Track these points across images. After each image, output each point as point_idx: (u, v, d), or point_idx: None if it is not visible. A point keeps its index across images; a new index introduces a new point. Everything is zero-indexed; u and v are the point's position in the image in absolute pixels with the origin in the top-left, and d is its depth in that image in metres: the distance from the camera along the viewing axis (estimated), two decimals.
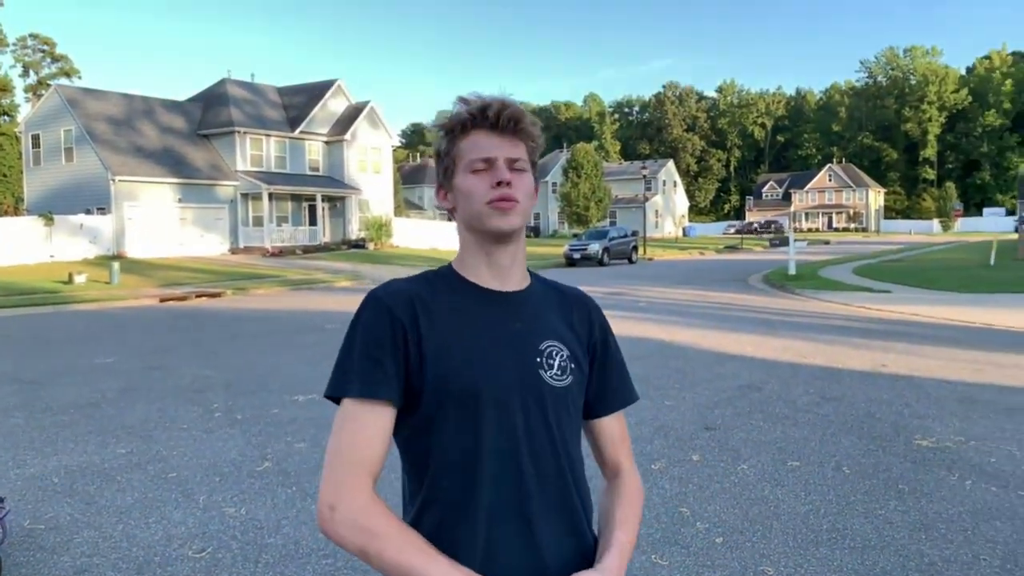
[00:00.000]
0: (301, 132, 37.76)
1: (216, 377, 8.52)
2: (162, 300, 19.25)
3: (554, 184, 61.78)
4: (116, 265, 23.63)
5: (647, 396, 6.95)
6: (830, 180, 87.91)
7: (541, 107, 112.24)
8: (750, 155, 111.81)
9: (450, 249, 40.62)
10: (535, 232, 61.85)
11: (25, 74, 63.33)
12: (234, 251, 34.68)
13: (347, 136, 38.71)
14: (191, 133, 36.36)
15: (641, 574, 3.66)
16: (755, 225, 76.88)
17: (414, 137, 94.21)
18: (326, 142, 39.23)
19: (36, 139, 34.64)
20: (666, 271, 28.41)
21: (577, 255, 32.81)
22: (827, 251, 43.43)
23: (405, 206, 51.65)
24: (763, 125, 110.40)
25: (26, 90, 62.93)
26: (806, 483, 4.86)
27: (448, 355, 1.30)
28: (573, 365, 1.37)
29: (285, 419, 6.58)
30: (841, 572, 3.63)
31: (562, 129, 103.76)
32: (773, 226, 73.62)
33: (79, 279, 22.68)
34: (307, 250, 35.81)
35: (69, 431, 6.31)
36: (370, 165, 40.50)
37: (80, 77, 63.14)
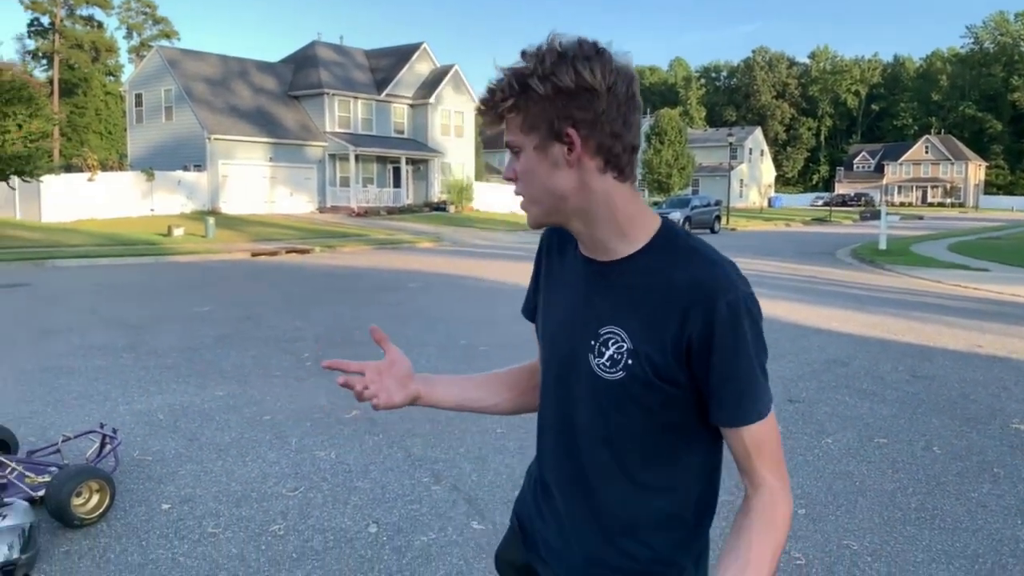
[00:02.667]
0: (387, 95, 38.23)
1: (306, 329, 8.85)
2: (254, 255, 19.98)
3: None
4: (211, 220, 24.62)
5: None
6: (927, 152, 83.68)
7: None
8: (842, 124, 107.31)
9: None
10: None
11: (129, 36, 66.03)
12: (321, 210, 35.61)
13: (431, 99, 38.99)
14: (282, 94, 37.29)
15: (721, 543, 3.67)
16: (845, 197, 74.03)
17: None
18: (411, 105, 39.62)
19: (139, 98, 36.19)
20: (749, 242, 27.74)
21: None
22: (921, 226, 41.54)
23: (486, 170, 51.80)
24: (857, 93, 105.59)
25: (129, 51, 65.69)
26: (893, 461, 4.74)
27: (543, 314, 1.37)
28: (632, 361, 1.18)
29: None
30: (929, 552, 3.56)
31: (646, 94, 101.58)
32: (864, 199, 70.76)
33: (177, 232, 23.79)
34: (391, 211, 36.47)
35: (171, 373, 6.70)
36: (453, 128, 40.74)
37: (179, 39, 65.50)
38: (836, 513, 3.98)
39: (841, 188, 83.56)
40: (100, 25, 63.35)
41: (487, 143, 58.28)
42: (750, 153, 69.55)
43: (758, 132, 73.34)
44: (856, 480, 4.44)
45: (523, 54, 1.16)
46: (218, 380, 6.47)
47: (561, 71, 1.12)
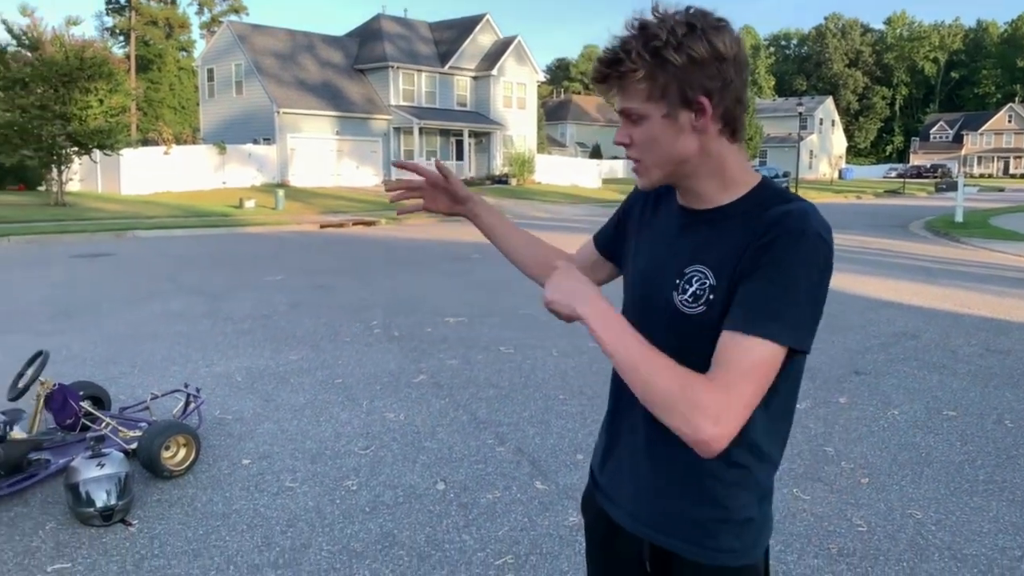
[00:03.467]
0: (450, 67, 38.31)
1: (373, 298, 9.10)
2: (322, 226, 20.46)
3: None
4: (281, 192, 25.25)
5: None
6: (1010, 121, 79.62)
7: None
8: (918, 93, 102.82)
9: (590, 187, 40.44)
10: None
11: (200, 11, 67.48)
12: (386, 183, 36.07)
13: (494, 71, 38.91)
14: (348, 68, 37.74)
15: (782, 506, 3.72)
16: (920, 169, 71.20)
17: (559, 73, 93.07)
18: (474, 77, 39.63)
19: (210, 73, 37.12)
20: None
21: None
22: (1001, 199, 39.78)
23: (547, 143, 51.60)
24: (935, 60, 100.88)
25: (201, 27, 67.17)
26: (962, 433, 4.68)
27: (631, 262, 1.46)
28: (712, 296, 1.25)
29: (437, 338, 6.99)
30: (996, 523, 3.53)
31: None
32: (940, 170, 67.89)
33: (248, 204, 24.49)
34: None
35: (248, 338, 7.00)
36: (515, 101, 40.63)
37: (248, 13, 66.61)
38: (900, 483, 3.97)
39: (916, 159, 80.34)
40: (173, 1, 64.99)
41: (549, 115, 58.00)
42: (820, 123, 67.41)
43: (829, 102, 70.94)
44: (922, 451, 4.40)
45: (643, 25, 1.20)
46: (292, 345, 6.74)
47: (694, 41, 1.18)
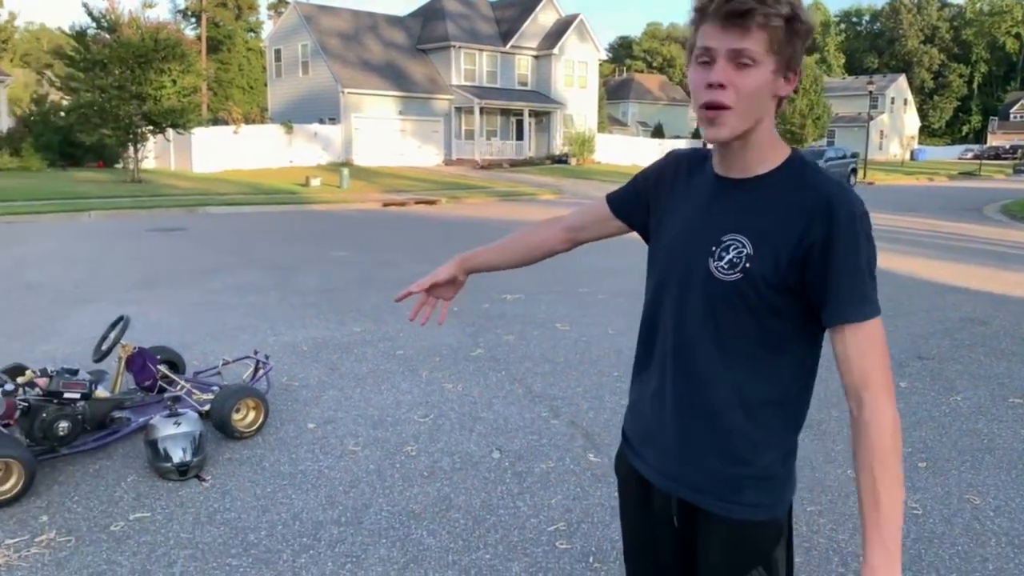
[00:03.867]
0: (511, 46, 38.23)
1: None
2: (384, 204, 20.81)
3: None
4: (345, 171, 25.72)
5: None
6: None
7: None
8: (999, 71, 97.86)
9: None
10: None
11: None
12: (447, 163, 36.37)
13: (555, 50, 38.68)
14: (411, 48, 38.02)
15: (836, 486, 3.73)
16: (998, 150, 68.04)
17: (621, 51, 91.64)
18: (535, 56, 39.48)
19: (277, 53, 37.86)
20: (888, 196, 26.21)
21: None
22: None
23: (608, 122, 51.11)
24: (1018, 36, 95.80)
25: (268, 8, 68.37)
26: None
27: (663, 229, 1.51)
28: (749, 264, 1.31)
29: (495, 314, 7.12)
30: None
31: None
32: (1020, 151, 64.77)
33: (314, 182, 25.04)
34: (513, 164, 36.78)
35: (314, 310, 7.25)
36: (576, 80, 40.33)
37: None
38: (960, 468, 3.93)
39: (994, 140, 76.70)
40: None
41: (610, 94, 57.37)
42: (892, 102, 64.92)
43: (902, 80, 68.16)
44: (984, 438, 4.33)
45: None
46: (355, 317, 6.96)
47: (807, 14, 1.27)
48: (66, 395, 3.82)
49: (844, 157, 33.02)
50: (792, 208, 1.30)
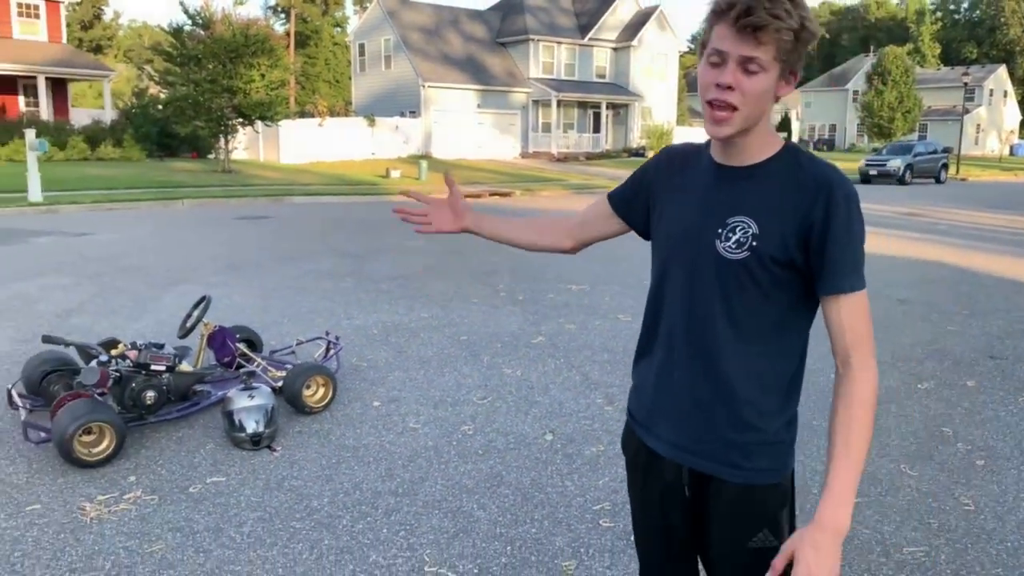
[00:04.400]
0: (590, 39, 38.10)
1: (502, 264, 9.47)
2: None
3: (855, 93, 55.95)
4: (424, 163, 26.24)
5: (927, 319, 6.55)
6: None
7: (848, 6, 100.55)
8: None
9: None
10: (828, 145, 56.95)
11: None
12: (524, 155, 36.59)
13: (634, 42, 38.34)
14: (490, 41, 38.35)
15: (886, 480, 3.72)
16: None
17: None
18: (614, 48, 39.23)
19: (362, 48, 38.82)
20: (980, 193, 25.03)
21: (873, 171, 29.78)
22: None
23: (689, 114, 50.31)
24: None
25: (354, 3, 69.95)
26: None
27: (665, 219, 1.61)
28: (755, 243, 1.42)
29: (559, 303, 7.25)
30: None
31: (871, 31, 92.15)
32: None
33: (394, 174, 25.66)
34: (589, 156, 36.71)
35: (385, 296, 7.54)
36: (655, 71, 39.88)
37: None
38: (1019, 468, 3.86)
39: None
40: None
41: (691, 86, 56.34)
42: (990, 95, 61.51)
43: (1002, 71, 64.42)
44: None
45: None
46: (424, 304, 7.21)
47: (814, 24, 1.37)
48: (153, 367, 4.16)
49: (935, 152, 31.60)
50: (793, 190, 1.42)
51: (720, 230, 1.46)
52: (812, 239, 1.40)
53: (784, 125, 54.19)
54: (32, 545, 3.04)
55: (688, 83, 52.25)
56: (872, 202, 20.36)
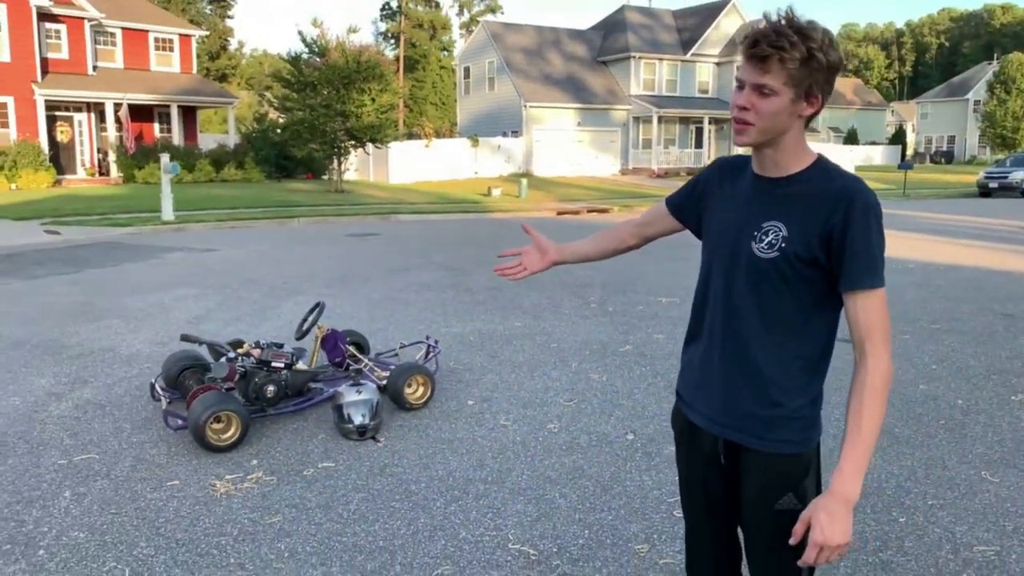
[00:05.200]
0: (692, 54, 37.88)
1: (595, 277, 9.73)
2: (559, 213, 21.52)
3: (976, 102, 52.94)
4: (524, 182, 26.80)
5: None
6: None
7: (971, 11, 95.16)
8: None
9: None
10: (946, 158, 54.08)
11: (460, 12, 72.34)
12: (624, 172, 36.67)
13: (738, 56, 37.79)
14: (591, 60, 38.73)
15: (963, 484, 3.76)
16: None
17: None
18: (717, 63, 38.83)
19: (467, 71, 39.98)
20: None
21: (994, 184, 28.08)
22: None
23: None
24: None
25: (460, 27, 71.99)
26: None
27: (714, 221, 1.87)
28: (785, 244, 1.64)
29: (648, 315, 7.45)
30: None
31: (995, 36, 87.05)
32: None
33: (495, 192, 26.31)
34: (691, 172, 36.33)
35: (481, 307, 7.94)
36: None
37: (502, 12, 70.26)
38: None
39: None
40: (437, 5, 70.29)
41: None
42: None
43: None
44: None
45: (800, 27, 1.57)
46: (518, 314, 7.56)
47: (832, 52, 1.59)
48: (273, 364, 4.66)
49: None
50: (819, 198, 1.64)
51: (756, 232, 1.70)
52: (833, 241, 1.61)
53: (898, 138, 51.90)
54: (172, 513, 3.53)
55: None
56: (989, 216, 19.37)
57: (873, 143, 50.38)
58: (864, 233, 1.60)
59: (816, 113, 1.68)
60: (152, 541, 3.28)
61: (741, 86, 1.66)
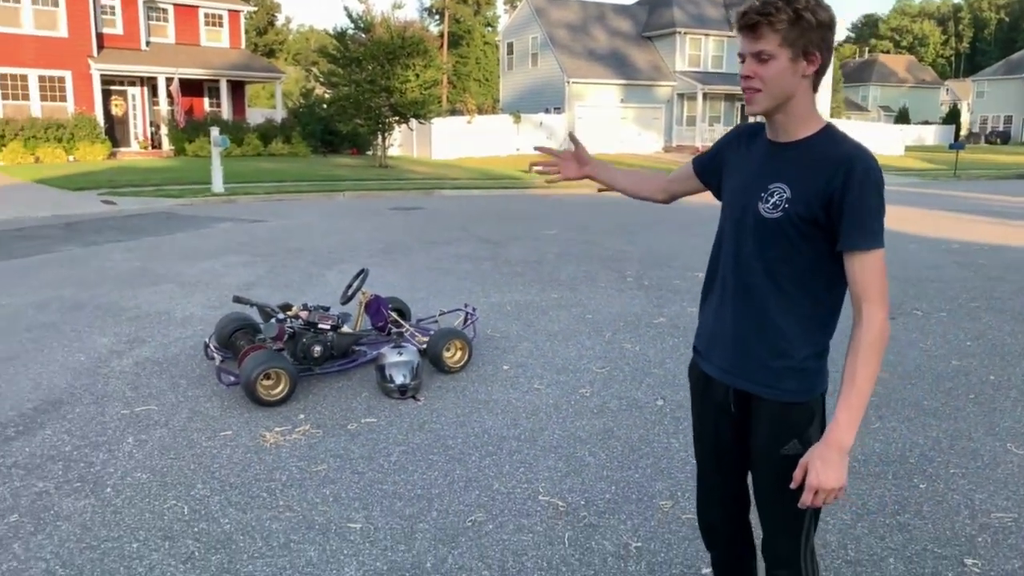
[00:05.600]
0: None
1: (632, 251, 9.83)
2: (599, 189, 21.37)
3: None
4: None
5: None
6: None
7: None
8: None
9: (890, 154, 37.14)
10: (1003, 138, 52.34)
11: None
12: (667, 149, 36.36)
13: None
14: (636, 36, 38.31)
15: (988, 455, 3.84)
16: None
17: (865, 30, 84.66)
18: None
19: (510, 47, 39.87)
20: None
21: None
22: None
23: (844, 106, 47.91)
24: None
25: (505, 2, 71.54)
26: None
27: (729, 182, 2.00)
28: (788, 205, 1.76)
29: (683, 289, 7.55)
30: None
31: None
32: None
33: (536, 168, 26.35)
34: None
35: (519, 278, 8.11)
36: None
37: None
38: None
39: None
40: None
41: (849, 77, 53.66)
42: None
43: None
44: None
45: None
46: (554, 286, 7.72)
47: (820, 11, 1.70)
48: (320, 325, 4.90)
49: None
50: (823, 162, 1.74)
51: (763, 194, 1.82)
52: (833, 204, 1.71)
53: (952, 117, 50.46)
54: (226, 460, 3.79)
55: (846, 74, 49.72)
56: None
57: (926, 122, 49.10)
58: (861, 197, 1.69)
59: (821, 73, 1.78)
60: (208, 483, 3.54)
61: (742, 60, 1.79)
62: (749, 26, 1.73)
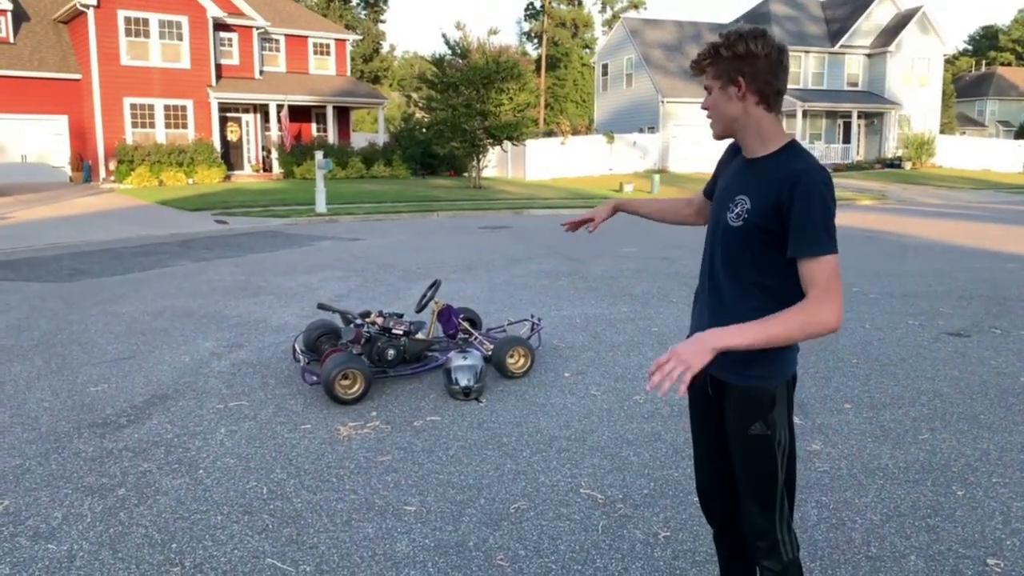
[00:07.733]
0: (841, 46, 36.27)
1: None
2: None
3: None
4: (657, 177, 26.86)
5: None
6: None
7: None
8: None
9: (1007, 171, 35.19)
10: None
11: (603, 10, 72.39)
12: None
13: (891, 47, 35.83)
14: None
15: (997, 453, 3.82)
16: None
17: (983, 42, 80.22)
18: (867, 55, 36.96)
19: (605, 68, 40.23)
20: None
21: None
22: None
23: (958, 122, 45.66)
24: None
25: (603, 24, 72.05)
26: None
27: (716, 193, 2.25)
28: (748, 216, 2.00)
29: None
30: None
31: None
32: None
33: (627, 188, 26.52)
34: (838, 168, 34.84)
35: (594, 293, 8.36)
36: (915, 77, 36.90)
37: (645, 8, 69.67)
38: None
39: None
40: (580, 3, 70.71)
41: (964, 91, 51.11)
42: None
43: None
44: None
45: (716, 40, 2.04)
46: (626, 301, 7.93)
47: (737, 44, 1.99)
48: (394, 330, 5.31)
49: None
50: (775, 177, 1.97)
51: (731, 204, 2.07)
52: (782, 214, 1.94)
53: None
54: (303, 449, 4.22)
55: (960, 88, 47.47)
56: None
57: None
58: (806, 210, 1.90)
59: (766, 96, 2.01)
60: (285, 469, 3.97)
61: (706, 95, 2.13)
62: (696, 70, 2.10)
